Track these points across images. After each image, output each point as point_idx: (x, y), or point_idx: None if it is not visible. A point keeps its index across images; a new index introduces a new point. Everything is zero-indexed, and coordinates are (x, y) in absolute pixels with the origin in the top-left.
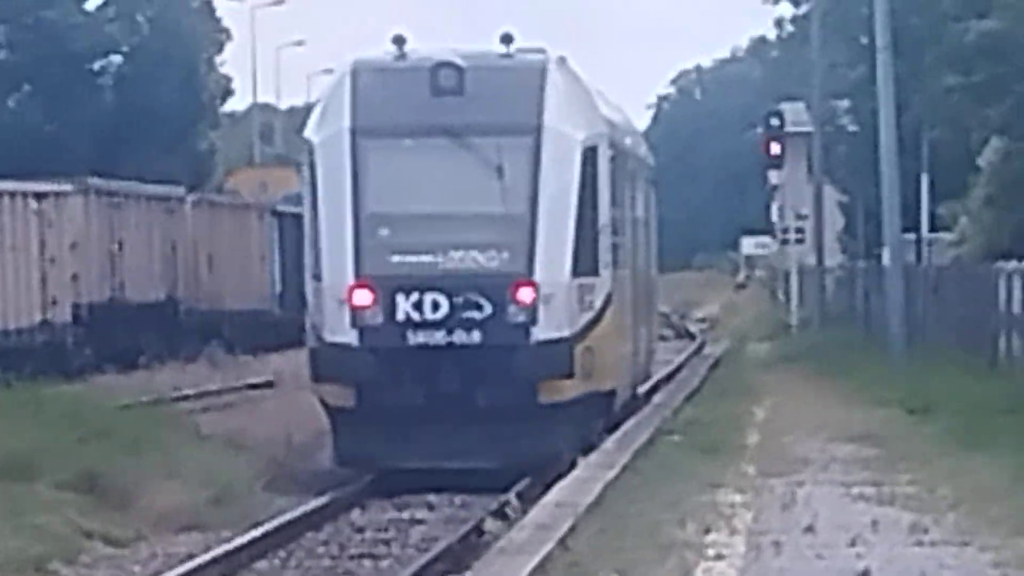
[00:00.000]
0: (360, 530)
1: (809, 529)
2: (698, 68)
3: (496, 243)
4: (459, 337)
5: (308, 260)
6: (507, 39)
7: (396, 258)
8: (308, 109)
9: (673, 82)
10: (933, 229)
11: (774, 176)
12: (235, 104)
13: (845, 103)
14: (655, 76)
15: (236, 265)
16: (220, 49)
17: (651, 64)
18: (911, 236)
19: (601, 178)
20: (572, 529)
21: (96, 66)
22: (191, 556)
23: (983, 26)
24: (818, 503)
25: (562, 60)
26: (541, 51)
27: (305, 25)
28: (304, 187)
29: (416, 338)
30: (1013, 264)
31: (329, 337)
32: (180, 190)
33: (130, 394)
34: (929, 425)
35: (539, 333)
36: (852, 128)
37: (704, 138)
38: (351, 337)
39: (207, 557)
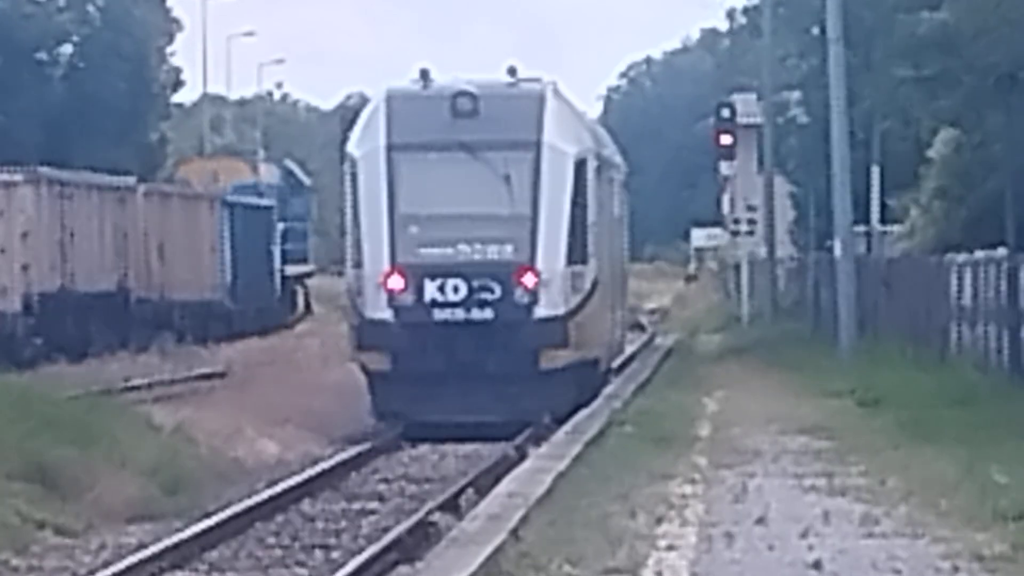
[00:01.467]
0: (311, 520)
1: (760, 520)
2: (648, 60)
3: (504, 238)
4: (474, 314)
5: (350, 251)
6: (512, 71)
7: (423, 250)
8: (260, 99)
9: (623, 74)
10: (884, 221)
11: (725, 168)
12: (185, 95)
13: (796, 95)
14: (606, 68)
15: (187, 255)
16: (171, 40)
17: (603, 56)
18: (862, 228)
19: (589, 185)
20: (523, 520)
21: (46, 56)
22: (142, 546)
23: (934, 18)
24: (769, 494)
25: (556, 88)
26: (539, 81)
27: (256, 16)
28: (346, 192)
29: (440, 315)
30: (964, 256)
31: (369, 314)
32: (131, 180)
33: (80, 384)
34: (879, 417)
35: (540, 311)
36: (803, 120)
37: (654, 130)
38: (387, 314)
39: (158, 547)
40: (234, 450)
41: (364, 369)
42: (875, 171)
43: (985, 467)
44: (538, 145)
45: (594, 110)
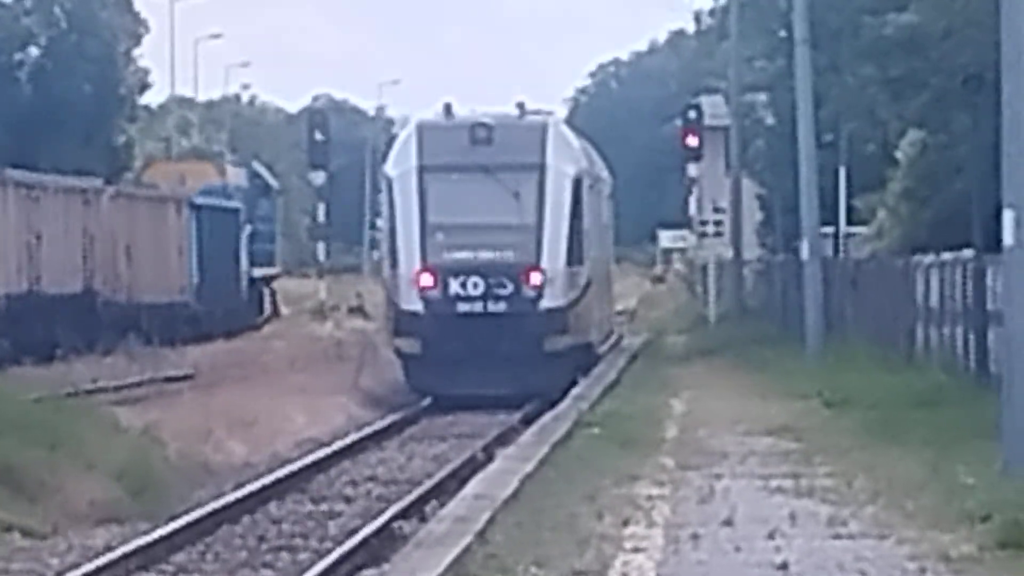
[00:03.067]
0: (277, 522)
1: (727, 522)
2: (616, 61)
3: (515, 243)
4: (491, 307)
5: (387, 254)
6: (521, 106)
7: (448, 253)
8: (227, 101)
9: (591, 75)
10: (851, 222)
11: (692, 169)
12: (153, 97)
13: (763, 96)
14: (574, 70)
15: (154, 257)
16: (138, 42)
17: (571, 58)
18: (829, 229)
19: (583, 199)
20: (490, 522)
21: (13, 59)
22: (109, 548)
23: (901, 20)
24: (736, 496)
25: (557, 120)
26: (542, 112)
27: (223, 18)
28: (384, 205)
29: (462, 307)
30: (930, 257)
31: (404, 306)
32: (98, 182)
33: (47, 386)
34: (846, 418)
35: (544, 304)
36: (770, 121)
37: (621, 131)
38: (419, 306)
39: (125, 549)
40: (201, 452)
41: (398, 352)
42: (842, 172)
43: (951, 468)
44: (542, 167)
45: (561, 111)
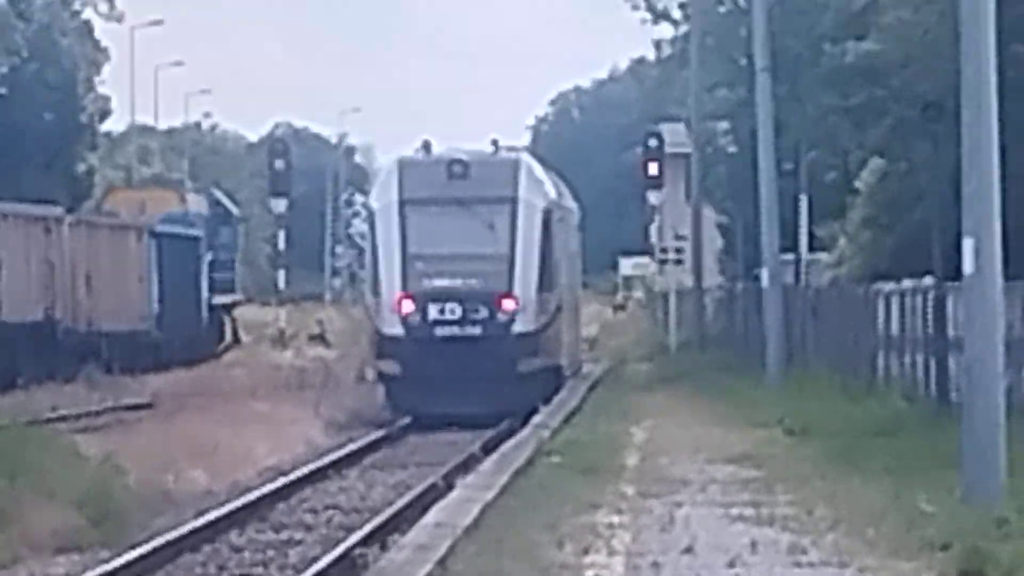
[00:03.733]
0: (238, 551)
1: (688, 550)
2: (577, 89)
3: (489, 272)
4: (467, 331)
5: (369, 281)
6: (495, 143)
7: (427, 281)
8: (188, 129)
9: (552, 103)
10: (812, 250)
11: (653, 197)
12: (113, 124)
13: (724, 124)
14: (536, 98)
15: (114, 285)
16: (98, 70)
17: (533, 86)
18: (790, 257)
19: (553, 230)
20: (450, 550)
21: None
22: None
23: (861, 48)
24: (697, 524)
25: (528, 156)
26: (515, 149)
27: (183, 46)
28: (367, 236)
29: (440, 331)
30: (891, 285)
31: (386, 331)
32: (58, 210)
33: (7, 414)
34: (807, 446)
35: (517, 328)
36: (731, 149)
37: (583, 159)
38: (399, 330)
39: None
40: (162, 480)
41: (380, 374)
42: (803, 200)
43: (912, 496)
44: (514, 200)
45: (523, 140)
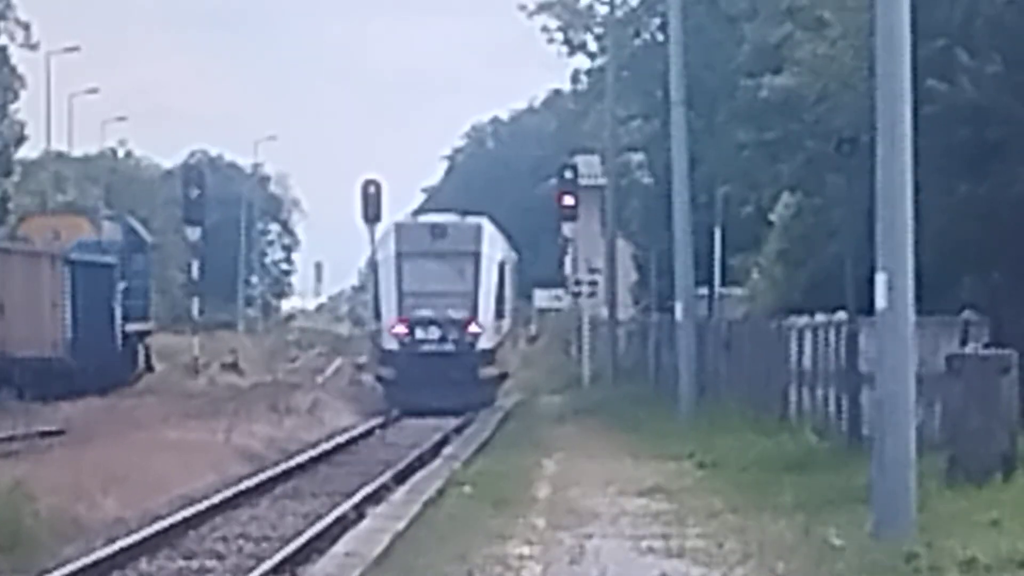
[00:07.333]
0: None
1: None
2: (494, 120)
3: (460, 304)
4: (443, 347)
5: (371, 310)
6: (464, 213)
7: (415, 310)
8: (102, 156)
9: (467, 134)
10: (726, 283)
11: (567, 229)
12: (28, 151)
13: (639, 156)
14: (453, 129)
15: (28, 312)
16: (15, 96)
17: (448, 117)
18: (704, 290)
19: (506, 276)
20: None
21: None
22: None
23: (776, 82)
24: (607, 556)
25: (488, 222)
26: (480, 216)
27: (99, 73)
28: (371, 279)
29: (424, 347)
30: (804, 319)
31: (384, 346)
32: None
33: None
34: (718, 480)
35: (480, 345)
36: (646, 181)
37: (497, 190)
38: (395, 345)
39: None
40: (73, 508)
41: (379, 378)
42: (717, 233)
43: (822, 530)
44: (478, 254)
45: (438, 171)
